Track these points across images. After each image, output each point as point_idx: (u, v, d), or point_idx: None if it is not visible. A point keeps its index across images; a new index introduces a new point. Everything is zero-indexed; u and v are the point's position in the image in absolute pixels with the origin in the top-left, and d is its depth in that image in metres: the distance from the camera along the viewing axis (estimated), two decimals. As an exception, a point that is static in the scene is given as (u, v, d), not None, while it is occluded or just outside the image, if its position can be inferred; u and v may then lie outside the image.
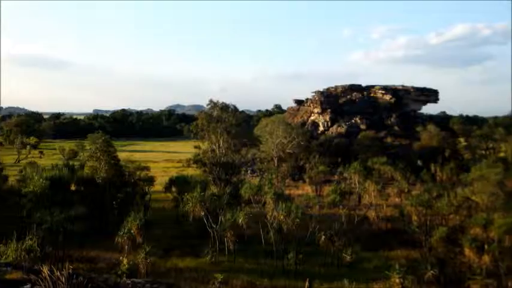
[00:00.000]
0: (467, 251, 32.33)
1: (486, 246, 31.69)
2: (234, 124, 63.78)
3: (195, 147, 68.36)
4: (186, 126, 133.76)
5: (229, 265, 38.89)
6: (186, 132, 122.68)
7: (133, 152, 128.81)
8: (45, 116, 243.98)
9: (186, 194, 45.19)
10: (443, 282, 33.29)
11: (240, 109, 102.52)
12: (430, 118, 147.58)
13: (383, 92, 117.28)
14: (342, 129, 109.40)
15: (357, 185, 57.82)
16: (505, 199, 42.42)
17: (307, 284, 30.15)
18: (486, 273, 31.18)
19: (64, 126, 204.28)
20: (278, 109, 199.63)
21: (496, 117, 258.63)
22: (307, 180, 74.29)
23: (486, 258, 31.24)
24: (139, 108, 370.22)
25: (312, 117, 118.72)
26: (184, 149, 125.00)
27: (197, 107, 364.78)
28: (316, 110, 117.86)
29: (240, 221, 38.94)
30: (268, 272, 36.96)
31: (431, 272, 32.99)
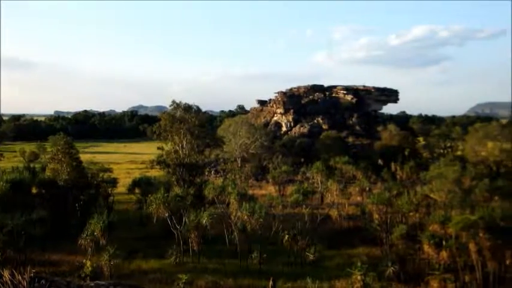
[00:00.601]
0: (426, 248, 33.05)
1: (444, 243, 32.45)
2: (197, 125, 63.39)
3: (158, 148, 67.80)
4: (149, 128, 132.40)
5: (194, 266, 38.80)
6: (149, 133, 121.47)
7: (96, 154, 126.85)
8: (5, 118, 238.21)
9: (149, 195, 44.90)
10: (403, 278, 33.99)
11: (203, 110, 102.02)
12: (391, 118, 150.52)
13: (345, 92, 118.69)
14: (305, 130, 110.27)
15: (320, 184, 58.39)
16: (462, 196, 43.51)
17: (271, 283, 30.34)
18: (444, 269, 31.97)
19: (24, 128, 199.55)
20: (241, 110, 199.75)
21: (453, 117, 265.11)
22: (270, 180, 74.60)
23: (444, 254, 32.00)
24: (101, 110, 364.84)
25: (275, 118, 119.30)
26: (148, 150, 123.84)
27: (160, 108, 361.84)
28: (279, 111, 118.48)
29: (204, 221, 38.87)
30: (232, 271, 37.02)
31: (392, 268, 33.66)
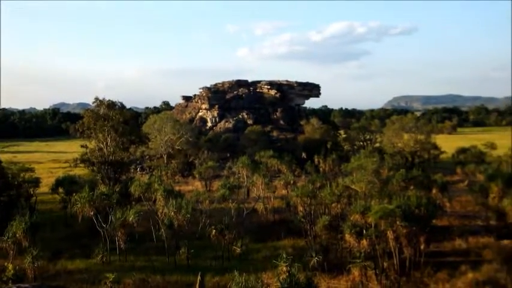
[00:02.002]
0: (347, 237, 34.21)
1: (364, 231, 33.73)
2: (122, 122, 62.22)
3: (82, 146, 65.84)
4: (71, 125, 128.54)
5: (121, 264, 38.29)
6: (72, 131, 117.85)
7: (16, 153, 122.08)
8: None
9: (74, 194, 43.81)
10: (327, 267, 35.08)
11: (128, 106, 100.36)
12: (313, 112, 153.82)
13: (268, 87, 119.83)
14: (230, 125, 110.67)
15: (246, 179, 58.94)
16: (381, 187, 45.33)
17: (199, 278, 30.48)
18: (364, 256, 33.15)
19: None
20: (166, 106, 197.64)
21: (372, 110, 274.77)
22: (196, 176, 74.43)
23: (364, 242, 33.27)
24: (21, 107, 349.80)
25: (200, 113, 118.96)
26: (71, 148, 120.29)
27: (83, 105, 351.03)
28: (204, 106, 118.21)
29: (131, 219, 38.39)
30: (160, 268, 36.88)
31: (316, 258, 34.66)
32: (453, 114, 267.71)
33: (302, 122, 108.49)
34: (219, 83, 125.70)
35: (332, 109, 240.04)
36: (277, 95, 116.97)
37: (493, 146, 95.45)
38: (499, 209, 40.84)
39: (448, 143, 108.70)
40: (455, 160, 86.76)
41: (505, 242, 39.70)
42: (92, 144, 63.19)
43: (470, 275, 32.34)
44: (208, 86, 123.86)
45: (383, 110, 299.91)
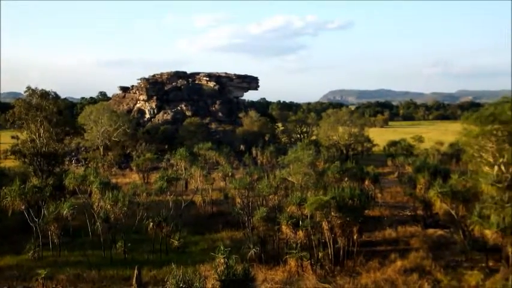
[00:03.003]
0: (284, 228, 34.41)
1: (300, 223, 34.01)
2: (56, 112, 60.11)
3: (13, 137, 63.42)
4: (1, 115, 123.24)
5: (54, 259, 36.94)
6: (2, 121, 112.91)
7: None
8: None
9: (4, 187, 41.89)
10: (264, 258, 35.20)
11: (63, 96, 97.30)
12: (252, 104, 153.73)
13: (207, 79, 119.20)
14: (168, 116, 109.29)
15: (184, 171, 58.33)
16: (316, 178, 45.87)
17: (136, 271, 29.91)
18: (301, 247, 33.56)
19: None
20: (103, 96, 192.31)
21: (309, 103, 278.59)
22: (134, 168, 73.12)
23: (300, 233, 33.59)
24: None
25: (138, 105, 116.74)
26: (1, 139, 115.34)
27: (14, 95, 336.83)
28: (142, 97, 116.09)
29: (65, 212, 37.09)
30: (96, 263, 35.85)
31: (254, 250, 34.71)
32: (385, 108, 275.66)
33: (240, 115, 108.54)
34: (158, 74, 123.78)
35: (270, 102, 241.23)
36: (216, 87, 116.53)
37: (420, 139, 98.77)
38: (425, 200, 42.21)
39: (380, 136, 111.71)
40: (386, 153, 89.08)
41: (431, 230, 41.19)
42: (23, 135, 60.86)
43: (399, 263, 33.27)
44: (147, 77, 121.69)
45: (319, 103, 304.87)
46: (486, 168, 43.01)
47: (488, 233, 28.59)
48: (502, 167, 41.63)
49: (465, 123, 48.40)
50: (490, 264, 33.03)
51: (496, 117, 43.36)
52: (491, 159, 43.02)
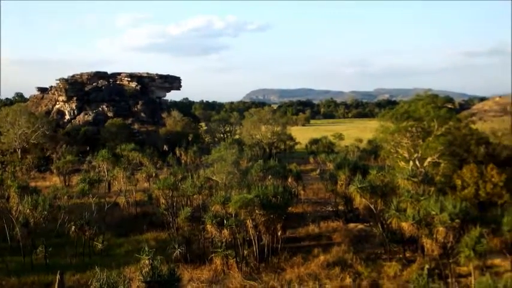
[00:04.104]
0: (209, 227, 34.47)
1: (225, 221, 34.22)
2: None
3: None
4: None
5: (-30, 268, 35.20)
6: None
7: None
8: None
9: None
10: (190, 258, 35.20)
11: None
12: (175, 104, 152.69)
13: (129, 79, 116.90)
14: (89, 117, 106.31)
15: (106, 172, 57.11)
16: (240, 177, 46.25)
17: (58, 276, 29.04)
18: (226, 246, 33.80)
19: None
20: (20, 98, 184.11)
21: (231, 103, 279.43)
22: (54, 171, 70.64)
23: (225, 232, 33.76)
24: None
25: (57, 106, 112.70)
26: None
27: None
28: (61, 98, 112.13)
29: (-19, 219, 35.43)
30: (15, 269, 34.47)
31: (179, 250, 34.58)
32: (306, 107, 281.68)
33: (163, 115, 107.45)
34: (77, 75, 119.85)
35: (193, 102, 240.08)
36: (138, 88, 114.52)
37: (341, 137, 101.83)
38: (346, 195, 43.51)
39: (302, 134, 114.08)
40: (308, 150, 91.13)
41: (351, 225, 42.63)
42: None
43: (322, 257, 34.21)
44: (66, 77, 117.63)
45: (242, 102, 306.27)
46: (402, 164, 45.13)
47: (404, 225, 29.82)
48: (417, 162, 43.86)
49: (382, 121, 50.54)
50: (407, 255, 34.72)
51: (410, 114, 45.62)
52: (406, 155, 45.19)
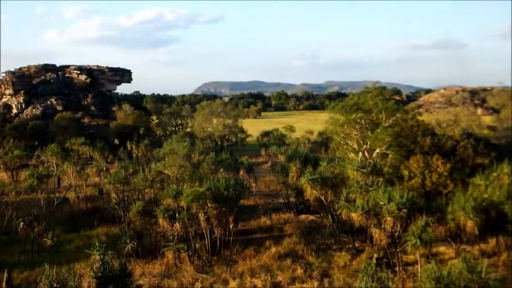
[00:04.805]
0: (161, 221, 34.13)
1: (177, 215, 33.99)
2: None
3: None
4: None
5: None
6: None
7: None
8: None
9: None
10: (141, 252, 34.85)
11: None
12: (125, 98, 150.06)
13: (78, 72, 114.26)
14: (38, 111, 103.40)
15: (56, 167, 55.73)
16: (192, 170, 46.02)
17: (5, 275, 28.21)
18: (178, 239, 33.58)
19: None
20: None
21: (183, 96, 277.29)
22: (1, 166, 68.49)
23: (177, 225, 33.54)
24: None
25: (3, 100, 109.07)
26: None
27: None
28: (8, 92, 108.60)
29: None
30: (-40, 269, 33.26)
31: (130, 244, 34.11)
32: (258, 99, 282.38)
33: (114, 108, 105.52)
34: (25, 67, 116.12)
35: (144, 95, 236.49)
36: (88, 81, 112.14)
37: (292, 129, 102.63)
38: (297, 187, 43.86)
39: (254, 127, 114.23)
40: (260, 143, 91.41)
41: (303, 216, 43.04)
42: None
43: (273, 249, 34.43)
44: (13, 70, 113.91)
45: (193, 95, 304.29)
46: (352, 155, 45.94)
47: (354, 216, 30.20)
48: (366, 154, 44.76)
49: (332, 113, 51.25)
50: (357, 245, 35.36)
51: (359, 106, 46.46)
52: (356, 146, 46.05)
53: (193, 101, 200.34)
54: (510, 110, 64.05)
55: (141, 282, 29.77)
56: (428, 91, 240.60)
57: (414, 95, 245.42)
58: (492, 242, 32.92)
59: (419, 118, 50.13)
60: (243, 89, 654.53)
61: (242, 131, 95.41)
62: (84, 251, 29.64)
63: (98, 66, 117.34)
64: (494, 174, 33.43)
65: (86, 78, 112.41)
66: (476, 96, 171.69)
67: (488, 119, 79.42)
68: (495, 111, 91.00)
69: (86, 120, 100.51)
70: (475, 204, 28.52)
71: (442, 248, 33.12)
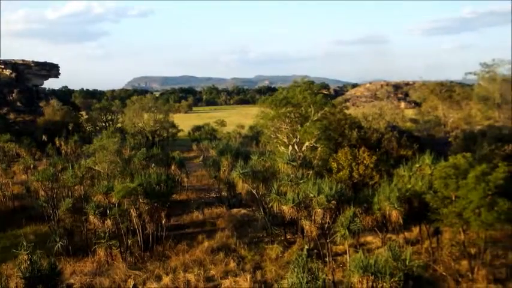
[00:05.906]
0: (92, 218, 33.21)
1: (108, 211, 33.24)
2: None
3: None
4: None
5: None
6: None
7: None
8: None
9: None
10: (72, 251, 33.83)
11: None
12: (53, 93, 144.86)
13: (2, 67, 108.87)
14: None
15: (-21, 165, 52.98)
16: (123, 166, 45.07)
17: None
18: (109, 236, 32.80)
19: None
20: None
21: (113, 91, 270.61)
22: None
23: (109, 222, 32.77)
24: None
25: None
26: None
27: None
28: None
29: None
30: None
31: (60, 243, 33.05)
32: (189, 94, 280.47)
33: (41, 104, 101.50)
34: None
35: (73, 90, 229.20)
36: (13, 75, 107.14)
37: (223, 124, 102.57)
38: (229, 181, 43.87)
39: (185, 122, 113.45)
40: (191, 137, 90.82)
41: (235, 210, 43.12)
42: None
43: (206, 243, 34.34)
44: None
45: (124, 90, 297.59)
46: (282, 148, 46.31)
47: (285, 208, 30.41)
48: (296, 147, 45.30)
49: (262, 107, 51.44)
50: (288, 237, 35.89)
51: (288, 100, 46.84)
52: (286, 140, 46.48)
53: (123, 96, 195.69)
54: (430, 104, 66.52)
55: (72, 281, 28.92)
56: (354, 85, 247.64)
57: (341, 89, 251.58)
58: (415, 230, 34.28)
59: (347, 112, 51.24)
60: (174, 83, 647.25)
61: (173, 126, 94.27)
62: (12, 251, 28.47)
63: (23, 60, 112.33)
64: (417, 165, 34.77)
65: (10, 73, 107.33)
66: (400, 90, 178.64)
67: (410, 112, 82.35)
68: (417, 104, 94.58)
69: (11, 116, 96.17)
70: (400, 194, 29.39)
71: (369, 238, 34.21)
